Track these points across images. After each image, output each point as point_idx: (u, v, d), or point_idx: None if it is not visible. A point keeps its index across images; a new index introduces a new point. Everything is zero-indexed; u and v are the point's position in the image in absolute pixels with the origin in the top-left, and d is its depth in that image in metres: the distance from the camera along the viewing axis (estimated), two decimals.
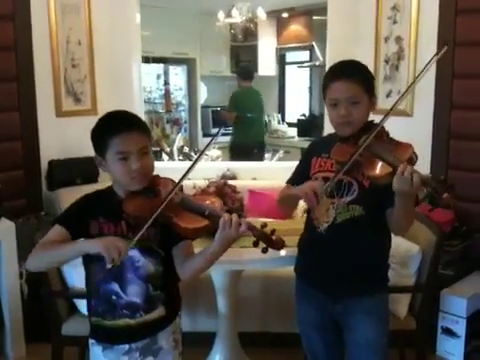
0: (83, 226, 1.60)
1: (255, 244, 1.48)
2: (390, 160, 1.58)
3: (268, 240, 1.47)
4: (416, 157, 1.62)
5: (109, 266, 1.41)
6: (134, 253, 1.56)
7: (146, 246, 1.58)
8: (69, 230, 1.60)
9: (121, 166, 1.56)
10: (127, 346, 1.64)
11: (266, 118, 7.38)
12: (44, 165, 3.68)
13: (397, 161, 1.56)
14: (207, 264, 1.60)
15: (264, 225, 1.48)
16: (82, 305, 2.51)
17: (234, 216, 1.46)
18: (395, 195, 1.60)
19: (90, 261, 1.61)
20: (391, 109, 1.68)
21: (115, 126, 1.57)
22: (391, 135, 1.74)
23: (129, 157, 1.55)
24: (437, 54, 1.69)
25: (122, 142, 1.55)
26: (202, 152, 1.65)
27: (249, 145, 5.77)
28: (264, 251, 1.48)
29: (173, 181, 1.62)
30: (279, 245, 1.48)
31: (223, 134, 6.57)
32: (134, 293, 1.60)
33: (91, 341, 1.69)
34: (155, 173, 1.65)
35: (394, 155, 1.59)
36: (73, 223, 1.61)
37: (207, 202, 1.57)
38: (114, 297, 1.60)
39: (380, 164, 1.61)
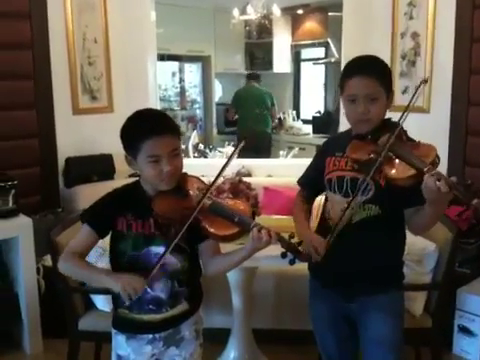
0: (109, 222, 1.63)
1: (283, 255, 1.52)
2: (414, 162, 1.54)
3: (296, 252, 1.51)
4: (438, 159, 1.57)
5: (127, 303, 1.53)
6: (162, 250, 1.57)
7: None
8: (96, 230, 1.62)
9: (152, 169, 1.57)
10: (151, 336, 1.67)
11: (281, 115, 7.37)
12: (61, 162, 3.71)
13: (422, 164, 1.52)
14: (233, 266, 1.69)
15: (292, 236, 1.52)
16: (98, 301, 2.54)
17: (264, 230, 1.49)
18: (415, 195, 1.55)
19: (117, 256, 1.63)
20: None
21: (147, 129, 1.56)
22: (409, 133, 1.72)
23: (160, 160, 1.56)
24: (415, 92, 1.68)
25: (154, 146, 1.55)
26: (232, 154, 1.65)
27: (251, 137, 6.01)
28: (291, 263, 1.52)
29: (201, 180, 1.66)
30: (306, 257, 1.54)
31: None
32: (159, 289, 1.63)
33: (114, 331, 1.72)
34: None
35: (418, 157, 1.55)
36: (99, 221, 1.63)
37: (231, 203, 1.59)
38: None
39: (402, 165, 1.58)
